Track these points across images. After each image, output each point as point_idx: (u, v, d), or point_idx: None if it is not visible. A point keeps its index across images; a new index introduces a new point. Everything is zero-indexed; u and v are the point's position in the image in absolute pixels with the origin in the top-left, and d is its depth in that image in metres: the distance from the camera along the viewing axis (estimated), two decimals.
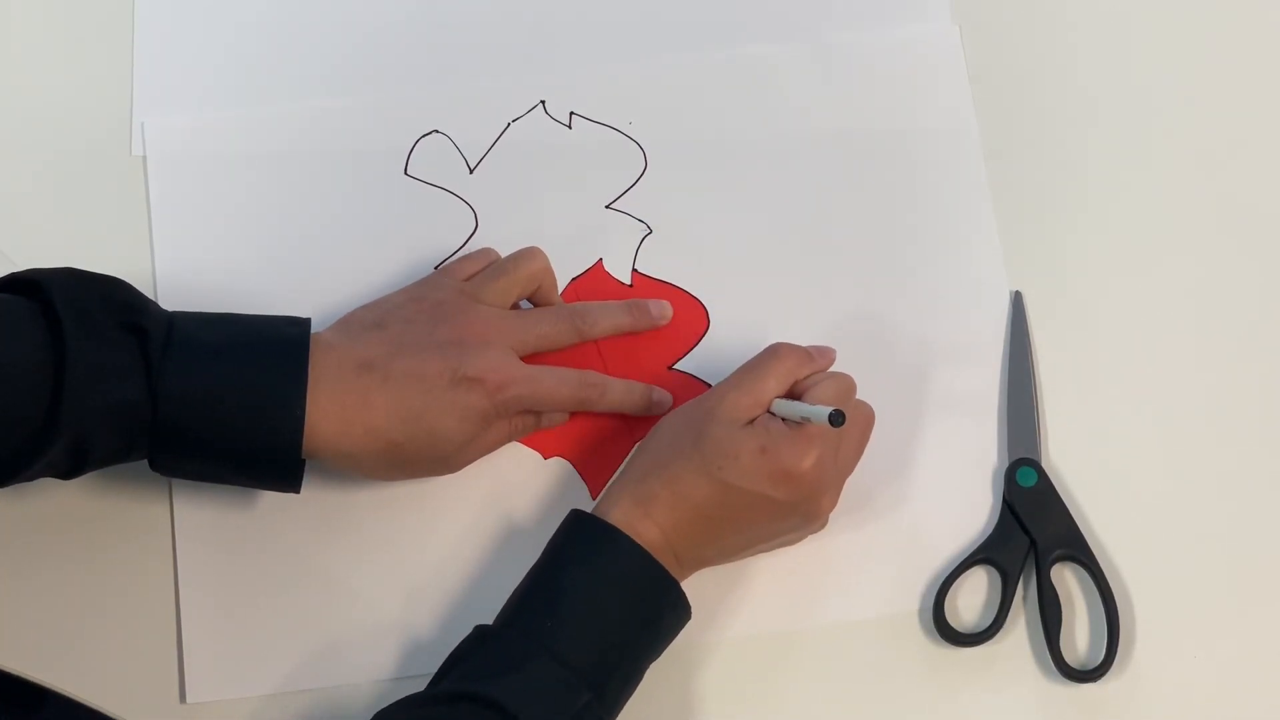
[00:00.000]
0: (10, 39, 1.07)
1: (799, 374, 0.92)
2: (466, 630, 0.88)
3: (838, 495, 0.92)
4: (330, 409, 0.89)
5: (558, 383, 0.95)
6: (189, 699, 0.95)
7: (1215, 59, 1.05)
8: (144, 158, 1.04)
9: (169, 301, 1.00)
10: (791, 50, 1.06)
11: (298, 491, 0.92)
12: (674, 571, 0.88)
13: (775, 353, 0.92)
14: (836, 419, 0.86)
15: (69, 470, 0.89)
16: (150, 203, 1.03)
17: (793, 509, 0.90)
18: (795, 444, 0.88)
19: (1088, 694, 0.94)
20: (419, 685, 0.88)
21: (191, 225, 1.03)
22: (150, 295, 1.00)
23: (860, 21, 1.06)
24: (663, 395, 0.98)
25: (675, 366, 1.00)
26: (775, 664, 0.95)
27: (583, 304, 0.99)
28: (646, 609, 0.88)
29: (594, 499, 0.97)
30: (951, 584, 0.95)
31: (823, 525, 0.93)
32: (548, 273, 0.99)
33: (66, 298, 0.87)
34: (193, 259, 1.02)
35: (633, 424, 0.98)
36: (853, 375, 0.93)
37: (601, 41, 1.06)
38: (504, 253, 1.01)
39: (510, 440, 0.97)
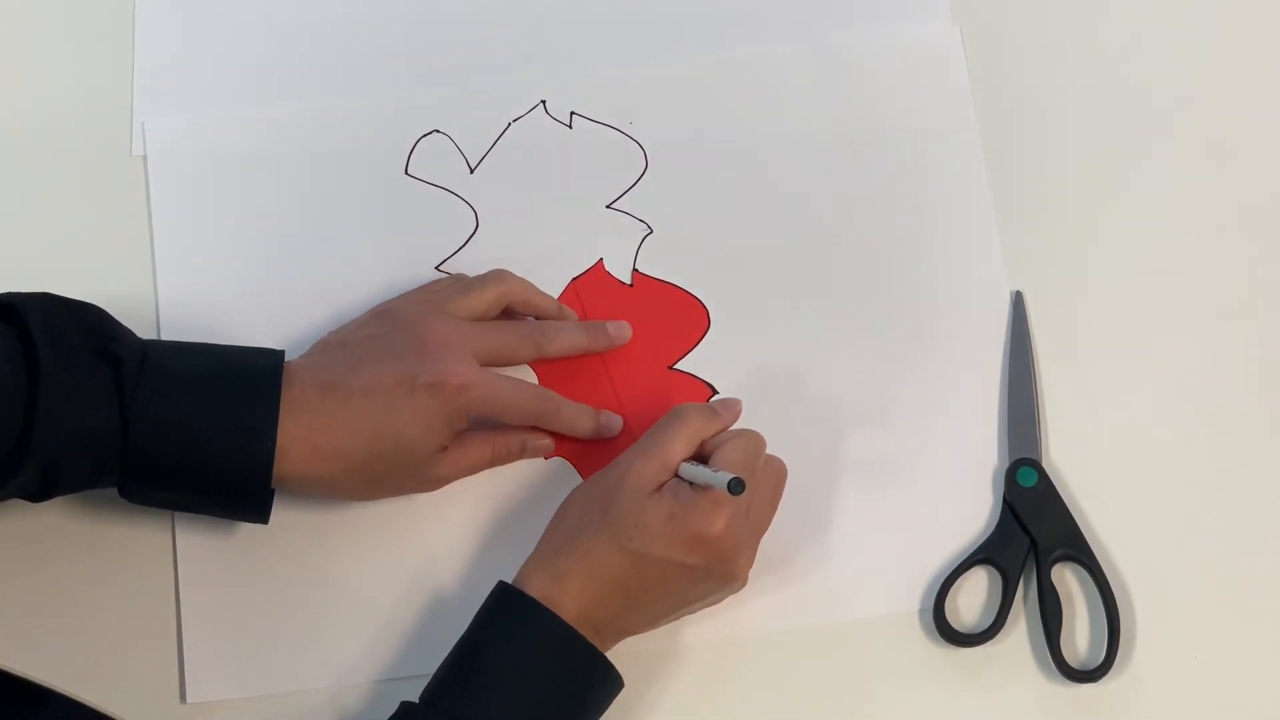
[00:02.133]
0: (10, 39, 1.07)
1: (705, 434, 0.91)
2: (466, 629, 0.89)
3: (754, 554, 0.91)
4: (299, 435, 0.89)
5: (516, 391, 0.95)
6: (189, 699, 0.95)
7: (1215, 59, 1.05)
8: (144, 158, 1.04)
9: (169, 302, 1.01)
10: (791, 50, 1.06)
11: (265, 522, 0.91)
12: (596, 644, 0.88)
13: (679, 415, 0.91)
14: (736, 487, 0.85)
15: (38, 493, 0.89)
16: (150, 203, 1.03)
17: (707, 573, 0.89)
18: (704, 508, 0.87)
19: (1088, 694, 0.94)
20: (419, 685, 0.88)
21: (191, 225, 1.03)
22: (150, 296, 1.01)
23: (860, 21, 1.06)
24: (611, 420, 0.97)
25: (675, 366, 1.00)
26: (775, 664, 0.95)
27: (544, 321, 0.98)
28: (573, 684, 0.87)
29: None
30: (951, 584, 0.95)
31: (743, 584, 0.92)
32: (517, 293, 0.98)
33: (42, 323, 0.87)
34: (193, 259, 1.02)
35: (633, 424, 0.98)
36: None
37: (602, 41, 1.06)
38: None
39: (494, 464, 0.96)
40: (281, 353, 0.92)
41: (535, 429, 0.96)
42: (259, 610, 0.96)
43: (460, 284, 0.98)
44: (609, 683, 0.89)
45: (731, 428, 0.94)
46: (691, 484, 0.89)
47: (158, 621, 0.96)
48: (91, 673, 0.94)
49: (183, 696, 0.95)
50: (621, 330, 0.99)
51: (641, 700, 0.94)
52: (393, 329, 0.94)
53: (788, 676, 0.95)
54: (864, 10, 1.06)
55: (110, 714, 0.91)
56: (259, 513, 0.91)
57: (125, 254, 1.02)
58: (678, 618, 0.92)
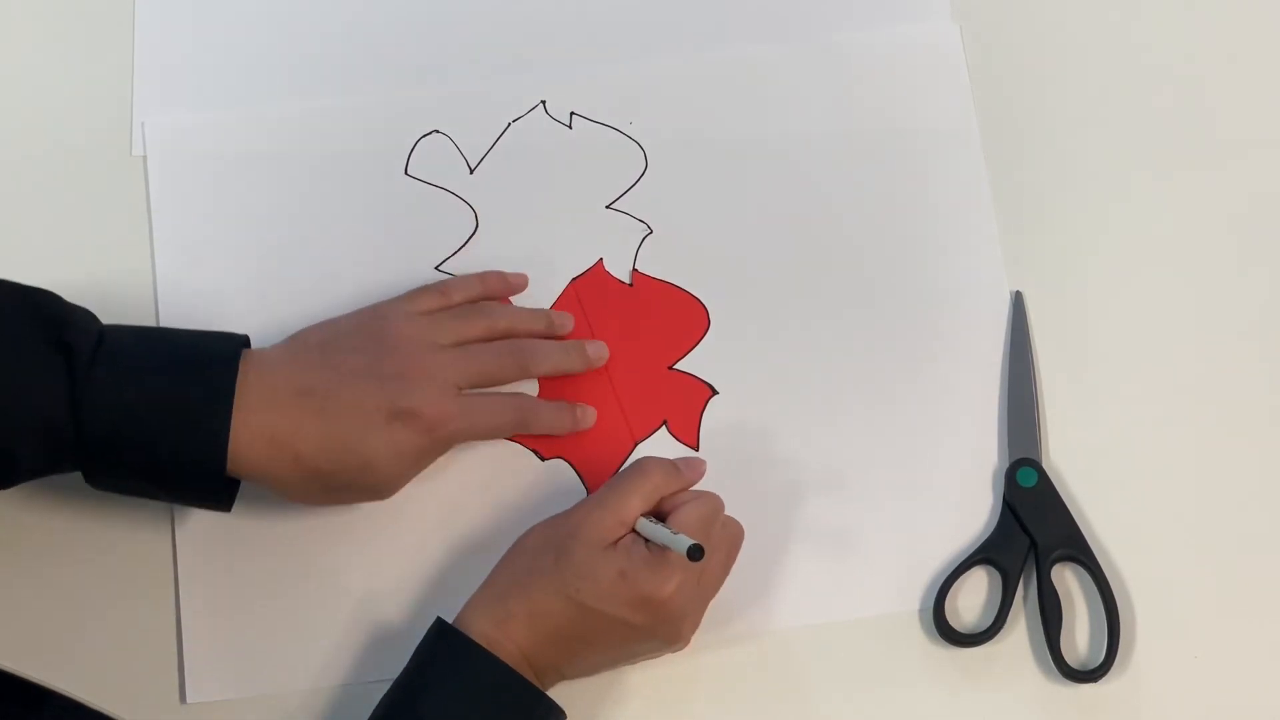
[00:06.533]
0: (10, 39, 1.07)
1: (666, 491, 0.91)
2: None
3: (700, 618, 0.91)
4: (260, 430, 0.88)
5: (492, 413, 0.95)
6: (189, 699, 0.95)
7: (1215, 58, 1.05)
8: (144, 158, 1.04)
9: (169, 302, 1.01)
10: (791, 50, 1.06)
11: (228, 510, 0.91)
12: (536, 685, 0.87)
13: (641, 469, 0.91)
14: (695, 553, 0.85)
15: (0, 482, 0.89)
16: (150, 203, 1.03)
17: (650, 633, 0.89)
18: (656, 570, 0.87)
19: (1088, 694, 0.94)
20: None
21: (191, 225, 1.03)
22: (150, 296, 1.01)
23: (860, 21, 1.06)
24: (586, 412, 0.97)
25: (675, 366, 1.00)
26: (775, 663, 0.95)
27: (527, 342, 0.97)
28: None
29: None
30: (951, 584, 0.95)
31: (685, 645, 0.91)
32: (502, 328, 0.97)
33: None
34: (193, 259, 1.02)
35: (633, 423, 0.98)
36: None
37: (601, 41, 1.06)
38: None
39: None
40: (242, 339, 0.91)
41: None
42: (259, 611, 0.96)
43: (451, 312, 0.97)
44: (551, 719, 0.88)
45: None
46: (647, 541, 0.88)
47: (158, 621, 0.96)
48: (91, 673, 0.95)
49: (183, 696, 0.95)
50: (600, 351, 0.99)
51: (640, 700, 0.94)
52: (378, 348, 0.93)
53: (788, 676, 0.95)
54: (864, 10, 1.06)
55: (110, 714, 0.91)
56: (220, 502, 0.91)
57: (125, 254, 1.02)
58: (614, 668, 0.93)
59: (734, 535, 0.92)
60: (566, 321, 1.00)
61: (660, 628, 0.89)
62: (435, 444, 0.92)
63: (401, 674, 0.88)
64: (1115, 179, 1.03)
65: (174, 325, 1.00)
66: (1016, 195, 1.03)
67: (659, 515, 0.90)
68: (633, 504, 0.89)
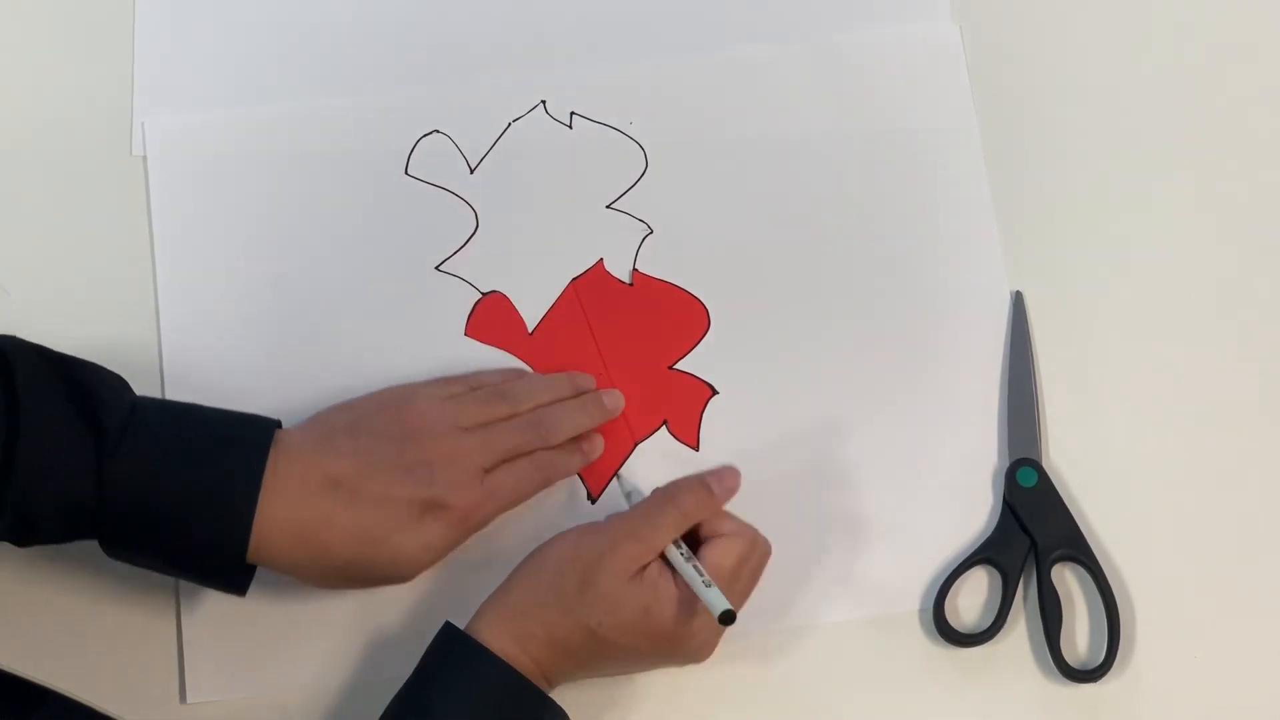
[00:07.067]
0: (10, 39, 1.07)
1: (699, 518, 0.90)
2: None
3: (717, 641, 0.91)
4: (287, 523, 0.88)
5: (518, 488, 0.94)
6: (189, 699, 0.95)
7: (1215, 59, 1.05)
8: (144, 158, 1.04)
9: (169, 302, 1.00)
10: (791, 50, 1.06)
11: (243, 595, 0.90)
12: (544, 689, 0.88)
13: (672, 497, 0.90)
14: (727, 619, 0.85)
15: (18, 542, 0.88)
16: (150, 203, 1.03)
17: (669, 658, 0.90)
18: (682, 609, 0.87)
19: (1088, 694, 0.94)
20: None
21: (191, 225, 1.03)
22: (150, 296, 1.01)
23: (860, 21, 1.06)
24: (594, 444, 0.96)
25: (675, 366, 1.00)
26: (775, 663, 0.95)
27: (544, 411, 0.96)
28: None
29: (594, 500, 0.97)
30: (951, 584, 0.95)
31: (694, 661, 0.91)
32: (527, 407, 0.96)
33: (29, 381, 0.86)
34: (193, 259, 1.02)
35: (634, 423, 0.98)
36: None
37: (601, 41, 1.06)
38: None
39: None
40: (273, 423, 0.90)
41: None
42: (259, 611, 0.96)
43: (473, 394, 0.95)
44: None
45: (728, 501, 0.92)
46: (674, 571, 0.88)
47: (158, 621, 0.96)
48: (91, 673, 0.95)
49: (183, 697, 0.95)
50: (616, 400, 0.98)
51: (640, 699, 0.94)
52: (403, 432, 0.92)
53: (788, 676, 0.95)
54: (864, 10, 1.06)
55: (110, 714, 0.91)
56: (236, 586, 0.90)
57: (125, 254, 1.02)
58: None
59: (763, 554, 0.91)
60: (587, 382, 0.99)
61: (679, 654, 0.89)
62: (465, 533, 0.92)
63: (411, 679, 0.88)
64: (1115, 179, 1.03)
65: (173, 324, 1.00)
66: (1016, 195, 1.03)
67: (693, 540, 0.90)
68: (663, 535, 0.89)
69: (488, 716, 0.86)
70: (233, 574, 0.89)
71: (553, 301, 1.01)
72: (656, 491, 0.92)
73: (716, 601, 0.86)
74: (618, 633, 0.87)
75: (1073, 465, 0.98)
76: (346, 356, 1.00)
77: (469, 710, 0.86)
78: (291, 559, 0.88)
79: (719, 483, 0.92)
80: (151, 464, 0.87)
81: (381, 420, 0.92)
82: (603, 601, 0.87)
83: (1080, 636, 0.95)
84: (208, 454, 0.87)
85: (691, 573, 0.87)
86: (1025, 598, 0.96)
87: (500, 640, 0.87)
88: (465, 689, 0.86)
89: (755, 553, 0.91)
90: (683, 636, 0.88)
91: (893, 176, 1.03)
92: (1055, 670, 0.94)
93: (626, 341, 1.00)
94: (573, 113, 1.05)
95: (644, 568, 0.88)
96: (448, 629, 0.89)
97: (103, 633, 0.96)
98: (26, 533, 0.87)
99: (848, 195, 1.03)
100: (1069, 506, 0.96)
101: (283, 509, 0.87)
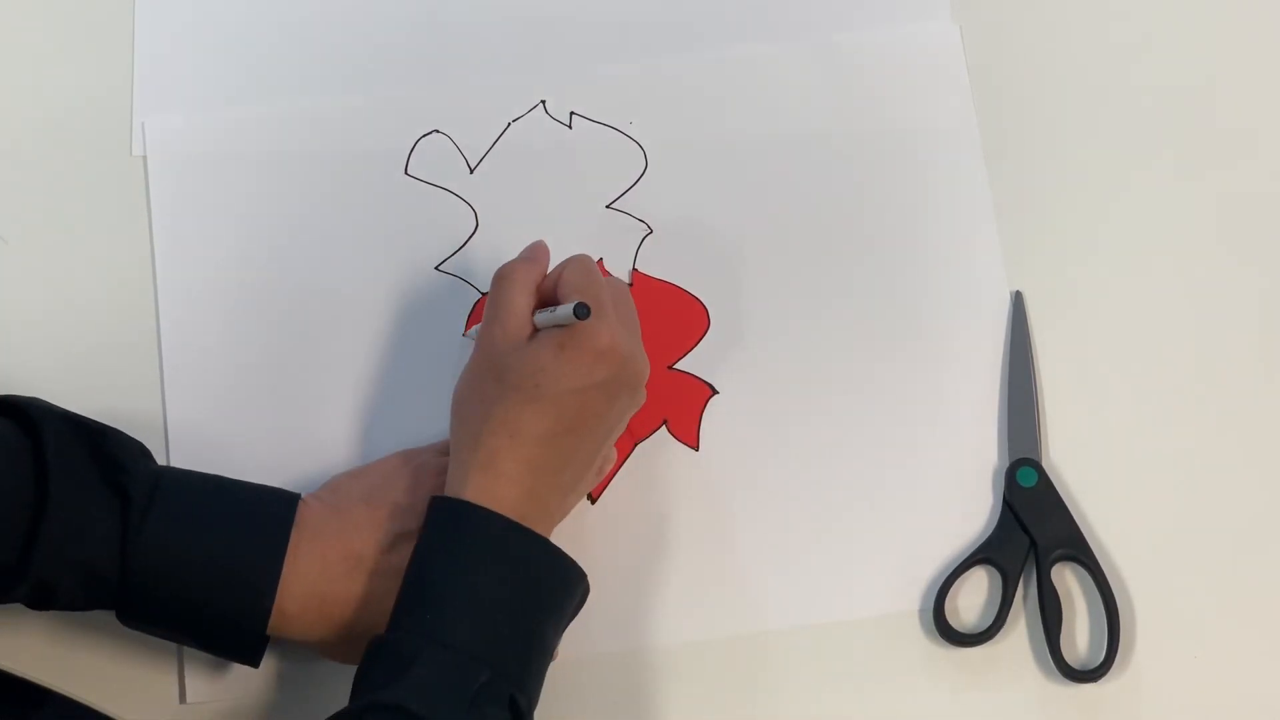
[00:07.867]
0: (10, 39, 1.07)
1: (536, 277, 0.91)
2: None
3: (644, 356, 0.91)
4: (309, 601, 0.88)
5: None
6: (189, 699, 0.95)
7: (1215, 58, 1.05)
8: (144, 158, 1.04)
9: (169, 302, 1.00)
10: (791, 50, 1.06)
11: (256, 666, 0.90)
12: (541, 525, 0.87)
13: (502, 275, 0.91)
14: (581, 311, 0.85)
15: (34, 605, 0.88)
16: (150, 203, 1.03)
17: (617, 383, 0.89)
18: (582, 331, 0.87)
19: (1088, 694, 0.94)
20: None
21: (191, 225, 1.03)
22: (150, 298, 1.01)
23: (860, 21, 1.06)
24: (605, 462, 0.95)
25: (675, 366, 1.00)
26: (775, 663, 0.95)
27: None
28: (520, 571, 0.86)
29: (594, 500, 0.97)
30: (951, 584, 0.95)
31: (644, 397, 0.92)
32: None
33: (57, 447, 0.86)
34: (193, 259, 1.02)
35: (633, 423, 0.98)
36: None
37: (601, 41, 1.06)
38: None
39: None
40: (294, 497, 0.90)
41: None
42: None
43: None
44: (559, 568, 0.87)
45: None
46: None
47: None
48: (91, 673, 0.94)
49: (182, 696, 0.95)
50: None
51: (640, 699, 0.94)
52: (415, 500, 0.91)
53: (787, 676, 0.95)
54: (864, 10, 1.06)
55: (110, 714, 0.91)
56: (250, 657, 0.89)
57: (125, 254, 1.02)
58: (601, 458, 0.92)
59: (618, 287, 0.94)
60: None
61: (621, 373, 0.89)
62: None
63: (412, 557, 0.86)
64: (1115, 179, 1.03)
65: (173, 325, 1.00)
66: (1016, 195, 1.03)
67: (547, 304, 0.90)
68: (519, 302, 0.89)
69: (482, 568, 0.85)
70: (249, 647, 0.89)
71: None
72: (490, 289, 0.92)
73: (566, 308, 0.86)
74: (557, 381, 0.86)
75: (1073, 465, 0.98)
76: (347, 356, 1.00)
77: (464, 567, 0.85)
78: (311, 633, 0.89)
79: (529, 251, 0.94)
80: (176, 540, 0.86)
81: (396, 489, 0.92)
82: (524, 369, 0.87)
83: (1080, 636, 0.95)
84: (231, 531, 0.87)
85: (554, 310, 0.88)
86: (1025, 598, 0.96)
87: (475, 480, 0.86)
88: (456, 548, 0.86)
89: (592, 268, 0.91)
90: (608, 348, 0.87)
91: (893, 176, 1.03)
92: (1055, 670, 0.94)
93: None
94: (572, 113, 1.05)
95: (532, 334, 0.89)
96: (434, 501, 0.88)
97: (103, 633, 0.96)
98: (44, 599, 0.87)
99: (848, 195, 1.03)
100: (1069, 506, 0.96)
101: (303, 586, 0.87)
